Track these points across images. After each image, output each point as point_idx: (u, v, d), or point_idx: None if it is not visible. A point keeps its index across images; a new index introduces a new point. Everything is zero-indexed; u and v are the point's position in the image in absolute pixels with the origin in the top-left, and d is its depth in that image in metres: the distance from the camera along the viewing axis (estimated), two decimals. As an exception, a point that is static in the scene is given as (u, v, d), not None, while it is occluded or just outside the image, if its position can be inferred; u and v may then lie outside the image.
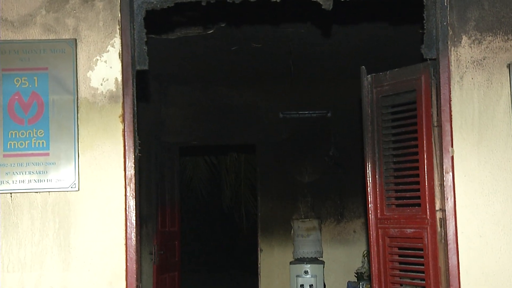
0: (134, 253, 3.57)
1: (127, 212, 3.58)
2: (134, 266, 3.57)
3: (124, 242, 3.57)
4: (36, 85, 3.66)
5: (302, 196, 8.22)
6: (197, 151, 13.07)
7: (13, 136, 3.64)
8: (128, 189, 3.59)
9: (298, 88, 8.19)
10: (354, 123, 7.70)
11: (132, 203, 3.58)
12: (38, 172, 3.62)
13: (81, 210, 3.61)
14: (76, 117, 3.65)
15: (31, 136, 3.64)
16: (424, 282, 3.64)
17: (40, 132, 3.64)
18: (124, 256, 3.56)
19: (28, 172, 3.62)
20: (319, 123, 8.24)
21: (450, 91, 3.59)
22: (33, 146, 3.64)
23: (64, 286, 3.58)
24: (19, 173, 3.62)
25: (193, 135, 8.39)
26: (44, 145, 3.64)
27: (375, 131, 3.95)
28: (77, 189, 3.61)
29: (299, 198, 8.22)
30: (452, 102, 3.59)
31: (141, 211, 3.83)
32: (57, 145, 3.64)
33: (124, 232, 3.58)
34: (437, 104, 3.63)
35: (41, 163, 3.63)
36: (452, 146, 3.56)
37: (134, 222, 3.58)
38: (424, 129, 3.67)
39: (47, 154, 3.64)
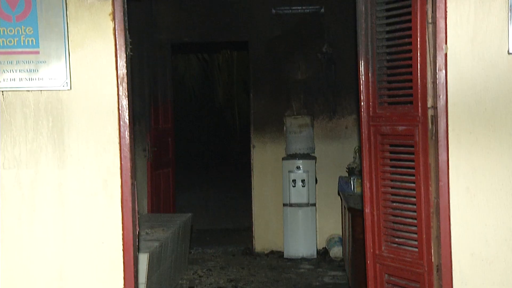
0: (128, 152, 3.61)
1: (120, 111, 3.59)
2: (129, 164, 3.62)
3: (118, 141, 3.60)
4: (22, -19, 3.57)
5: (294, 93, 8.22)
6: (189, 49, 12.94)
7: (1, 33, 3.59)
8: (120, 88, 3.58)
9: (291, -18, 8.01)
10: (348, 19, 7.60)
11: (124, 102, 3.58)
12: (28, 71, 3.60)
13: (74, 109, 3.61)
14: (65, 14, 3.58)
15: (20, 33, 3.59)
16: (414, 177, 3.71)
17: (29, 29, 3.59)
18: (118, 154, 3.60)
19: (18, 70, 3.60)
20: (312, 19, 8.12)
21: (446, -13, 3.53)
22: (22, 44, 3.60)
23: (60, 183, 3.64)
24: (9, 71, 3.60)
25: (184, 32, 8.28)
26: (34, 43, 3.60)
27: (369, 28, 3.90)
28: (69, 88, 3.60)
29: (292, 95, 8.22)
30: (447, -2, 3.53)
31: (134, 109, 3.84)
32: (47, 43, 3.59)
33: (117, 131, 3.60)
34: (432, 0, 3.57)
35: (31, 61, 3.60)
36: (446, 43, 3.53)
37: (127, 121, 3.59)
38: (418, 26, 3.62)
39: (37, 52, 3.60)
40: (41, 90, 3.62)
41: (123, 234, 3.63)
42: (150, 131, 7.66)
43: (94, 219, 3.64)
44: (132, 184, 3.65)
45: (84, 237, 3.64)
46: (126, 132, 3.60)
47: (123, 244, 3.63)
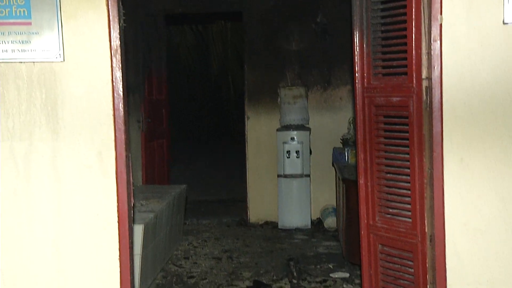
0: (122, 124, 3.60)
1: (114, 84, 3.57)
2: (123, 136, 3.61)
3: (112, 113, 3.59)
4: (13, -49, 3.53)
5: (289, 64, 8.19)
6: (183, 20, 12.84)
7: (-8, 4, 3.56)
8: (114, 60, 3.56)
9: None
10: (343, -11, 7.54)
11: (118, 74, 3.56)
12: (21, 42, 3.57)
13: (67, 81, 3.59)
14: (57, -16, 3.54)
15: (11, 4, 3.55)
16: (408, 148, 3.72)
17: (20, 0, 3.55)
18: (113, 126, 3.59)
19: (11, 42, 3.57)
20: (307, -11, 8.06)
21: (442, -44, 3.50)
22: (14, 14, 3.56)
23: (54, 156, 3.63)
24: (1, 42, 3.57)
25: (178, 3, 8.22)
26: (26, 14, 3.56)
27: (364, -1, 3.88)
28: (63, 60, 3.58)
29: (286, 66, 8.19)
30: (443, -32, 3.50)
31: (127, 80, 3.81)
32: (39, 14, 3.56)
33: (111, 103, 3.58)
34: (427, -30, 3.54)
35: (23, 33, 3.57)
36: (441, 14, 3.51)
37: (121, 93, 3.57)
38: (413, -4, 3.60)
39: (29, 23, 3.57)
40: (34, 62, 3.60)
41: (118, 206, 3.64)
42: (144, 102, 7.64)
43: (89, 191, 3.64)
44: (127, 156, 3.64)
45: (79, 209, 3.65)
46: (120, 104, 3.58)
47: (118, 216, 3.64)
